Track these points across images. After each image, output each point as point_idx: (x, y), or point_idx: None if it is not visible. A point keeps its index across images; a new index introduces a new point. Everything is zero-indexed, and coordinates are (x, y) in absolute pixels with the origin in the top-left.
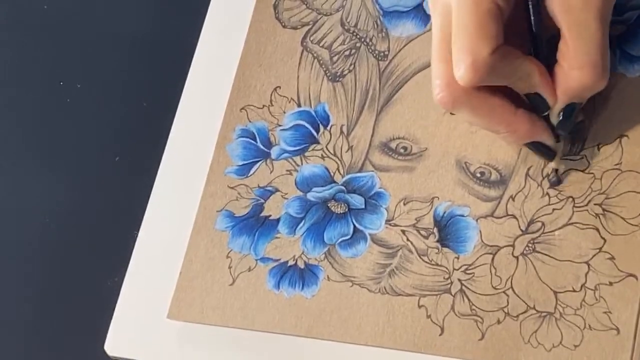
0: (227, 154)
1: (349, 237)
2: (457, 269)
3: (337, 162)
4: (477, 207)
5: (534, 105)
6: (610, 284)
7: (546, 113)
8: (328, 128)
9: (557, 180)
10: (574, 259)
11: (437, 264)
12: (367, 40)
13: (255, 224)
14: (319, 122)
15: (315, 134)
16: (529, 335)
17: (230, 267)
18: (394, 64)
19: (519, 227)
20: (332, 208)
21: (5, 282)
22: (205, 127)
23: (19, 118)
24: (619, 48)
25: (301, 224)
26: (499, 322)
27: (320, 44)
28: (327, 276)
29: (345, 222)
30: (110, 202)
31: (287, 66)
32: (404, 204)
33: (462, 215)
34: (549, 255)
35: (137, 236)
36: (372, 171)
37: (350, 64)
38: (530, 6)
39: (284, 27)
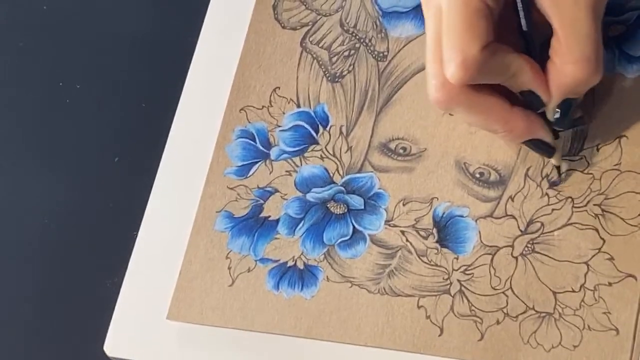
0: (227, 155)
1: (348, 237)
2: (457, 270)
3: (336, 163)
4: (476, 208)
5: (528, 102)
6: (610, 284)
7: (542, 110)
8: (327, 129)
9: (557, 180)
10: (573, 260)
11: (436, 265)
12: (367, 40)
13: (254, 225)
14: (318, 122)
15: (314, 134)
16: (528, 335)
17: (229, 268)
18: (393, 64)
19: (518, 227)
20: (332, 209)
21: (5, 282)
22: (204, 127)
23: (19, 118)
24: (618, 48)
25: (300, 225)
26: (498, 322)
27: (320, 45)
28: (327, 277)
29: (344, 222)
30: (109, 202)
31: (286, 67)
32: (403, 205)
33: (462, 216)
34: (548, 256)
35: (136, 237)
36: (372, 172)
37: (350, 65)
38: (519, 3)
39: (284, 27)
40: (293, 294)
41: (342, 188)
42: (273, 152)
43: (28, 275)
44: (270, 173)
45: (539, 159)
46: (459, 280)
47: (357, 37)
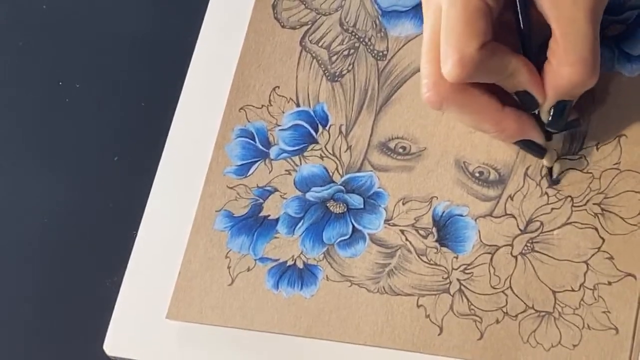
0: (226, 154)
1: (347, 237)
2: (456, 269)
3: (335, 162)
4: (475, 207)
5: (523, 103)
6: (609, 283)
7: (536, 111)
8: (327, 128)
9: (557, 180)
10: (573, 259)
11: (435, 264)
12: (366, 40)
13: (254, 224)
14: (317, 122)
15: (314, 133)
16: (528, 334)
17: (229, 267)
18: (392, 63)
19: (518, 226)
20: (331, 208)
21: (5, 282)
22: (204, 127)
23: (19, 118)
24: (617, 47)
25: (300, 224)
26: (497, 321)
27: (319, 44)
28: (326, 276)
29: (344, 221)
30: (109, 202)
31: (286, 66)
32: (403, 204)
33: (461, 215)
34: (547, 255)
35: (136, 236)
36: (371, 171)
37: (349, 64)
38: (518, 3)
39: (283, 27)
40: (292, 293)
41: (342, 187)
42: (272, 152)
43: (28, 275)
44: (269, 172)
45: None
46: (458, 280)
47: (357, 36)
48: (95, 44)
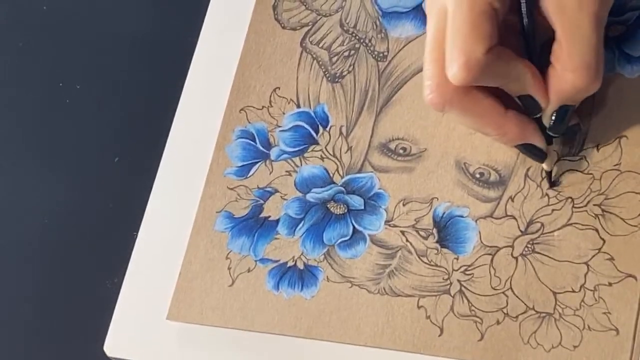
0: (227, 155)
1: (348, 237)
2: (457, 270)
3: (336, 163)
4: (476, 208)
5: (526, 107)
6: (610, 284)
7: (538, 115)
8: (327, 129)
9: (554, 182)
10: (573, 260)
11: (436, 265)
12: (367, 41)
13: (254, 225)
14: (318, 123)
15: (314, 134)
16: (528, 335)
17: (229, 268)
18: (393, 64)
19: (518, 227)
20: (332, 209)
21: (5, 282)
22: (204, 128)
23: (19, 118)
24: (618, 48)
25: (300, 225)
26: (498, 322)
27: (320, 45)
28: (327, 277)
29: (344, 223)
30: (109, 202)
31: (286, 67)
32: (403, 205)
33: (462, 216)
34: (548, 256)
35: (136, 237)
36: (372, 172)
37: (350, 65)
38: (523, 7)
39: (283, 28)
40: (293, 294)
41: (342, 188)
42: (273, 153)
43: (28, 275)
44: (270, 173)
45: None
46: (459, 281)
47: (357, 37)
48: (95, 44)
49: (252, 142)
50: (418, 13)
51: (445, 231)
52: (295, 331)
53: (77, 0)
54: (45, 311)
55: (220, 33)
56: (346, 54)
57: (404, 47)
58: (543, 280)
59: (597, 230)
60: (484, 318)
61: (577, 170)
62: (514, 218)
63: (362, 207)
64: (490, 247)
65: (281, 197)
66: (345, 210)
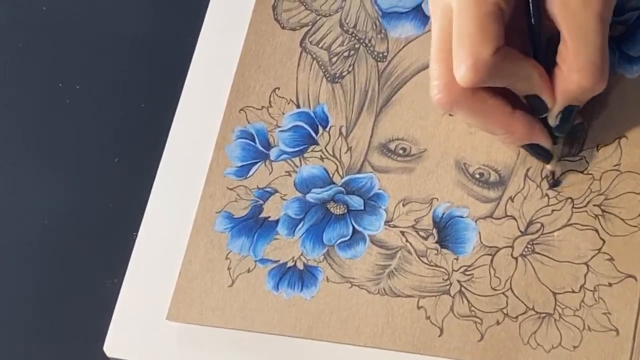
0: (226, 155)
1: (348, 238)
2: (456, 270)
3: (336, 163)
4: (476, 208)
5: (532, 107)
6: (610, 285)
7: (544, 115)
8: (327, 129)
9: (557, 182)
10: (573, 260)
11: (436, 265)
12: (366, 41)
13: (254, 225)
14: (318, 123)
15: (314, 135)
16: (528, 336)
17: (229, 269)
18: (393, 65)
19: (518, 228)
20: (331, 209)
21: (5, 282)
22: (204, 128)
23: (19, 118)
24: (618, 49)
25: (300, 225)
26: (498, 323)
27: (319, 45)
28: (326, 277)
29: (344, 223)
30: (109, 202)
31: (286, 67)
32: (403, 205)
33: (461, 217)
34: (548, 256)
35: (136, 237)
36: (371, 172)
37: (349, 65)
38: (531, 8)
39: (283, 28)
40: (293, 295)
41: (342, 188)
42: (273, 153)
43: (28, 275)
44: (269, 173)
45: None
46: (458, 281)
47: (357, 37)
48: (95, 44)
49: (251, 143)
50: (418, 13)
51: (445, 231)
52: (295, 331)
53: (77, 0)
54: (45, 311)
55: (220, 33)
56: (346, 54)
57: (403, 47)
58: (543, 281)
59: (597, 231)
60: (484, 318)
61: (577, 171)
62: (514, 218)
63: (362, 208)
64: (490, 247)
65: (281, 197)
66: (345, 211)
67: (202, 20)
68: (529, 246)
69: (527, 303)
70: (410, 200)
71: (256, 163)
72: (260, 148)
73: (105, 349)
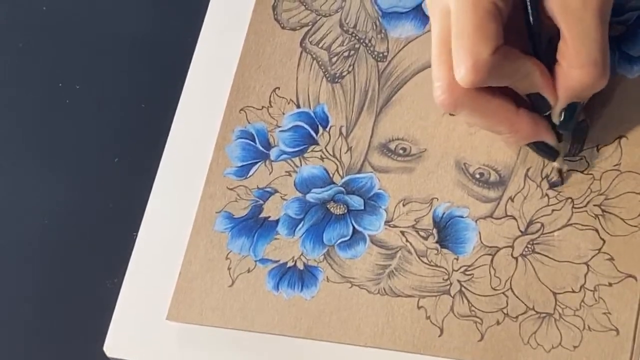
0: (226, 155)
1: (348, 238)
2: (457, 270)
3: (336, 163)
4: (476, 208)
5: (535, 105)
6: (610, 284)
7: (547, 113)
8: (327, 129)
9: (557, 181)
10: (573, 260)
11: (436, 265)
12: (366, 41)
13: (254, 225)
14: (318, 123)
15: (314, 135)
16: (528, 336)
17: (229, 269)
18: (393, 65)
19: (518, 228)
20: (332, 209)
21: (5, 282)
22: (204, 128)
23: (19, 118)
24: (618, 49)
25: (300, 225)
26: (498, 323)
27: (319, 45)
28: (327, 277)
29: (344, 223)
30: (109, 202)
31: (286, 67)
32: (403, 205)
33: (462, 216)
34: (548, 256)
35: (136, 237)
36: (371, 172)
37: (350, 65)
38: (529, 6)
39: (283, 28)
40: (293, 295)
41: (342, 188)
42: (273, 153)
43: (28, 275)
44: (270, 173)
45: (538, 159)
46: (459, 281)
47: (357, 37)
48: (95, 44)
49: (251, 143)
50: (418, 13)
51: (445, 231)
52: (295, 331)
53: (77, 0)
54: (45, 311)
55: (220, 33)
56: (346, 54)
57: (403, 47)
58: (543, 281)
59: (597, 231)
60: (484, 318)
61: (577, 171)
62: (514, 218)
63: (362, 208)
64: (490, 247)
65: (281, 197)
66: (345, 211)
67: (202, 20)
68: (529, 246)
69: (527, 303)
70: (411, 200)
71: (256, 163)
72: (261, 148)
73: (105, 349)
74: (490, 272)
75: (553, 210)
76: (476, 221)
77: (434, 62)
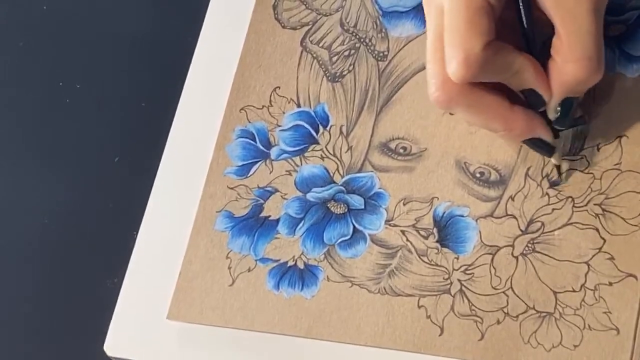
0: (227, 155)
1: (348, 237)
2: (457, 269)
3: (336, 163)
4: (476, 207)
5: (530, 101)
6: (610, 284)
7: (543, 109)
8: (327, 128)
9: (557, 180)
10: (574, 259)
11: (436, 264)
12: (367, 40)
13: (254, 225)
14: (318, 122)
15: (314, 134)
16: (529, 335)
17: (229, 268)
18: (393, 64)
19: (519, 227)
20: (332, 208)
21: (5, 282)
22: (204, 127)
23: (19, 118)
24: (618, 48)
25: (301, 225)
26: (498, 322)
27: (320, 45)
28: (327, 276)
29: (344, 222)
30: (110, 202)
31: (286, 66)
32: (404, 204)
33: (462, 216)
34: (548, 256)
35: (136, 236)
36: (372, 171)
37: (350, 64)
38: (520, 2)
39: (284, 27)
40: (293, 294)
41: (343, 188)
42: (273, 152)
43: (28, 275)
44: (270, 173)
45: (539, 158)
46: (459, 280)
47: (357, 36)
48: (95, 44)
49: (252, 142)
50: (418, 12)
51: (446, 231)
52: (295, 331)
53: (77, 0)
54: (45, 311)
55: (220, 33)
56: (346, 53)
57: (404, 46)
58: (543, 280)
59: (597, 230)
60: (485, 318)
61: (577, 170)
62: (515, 217)
63: (363, 207)
64: (491, 246)
65: (281, 196)
66: (346, 210)
67: (202, 20)
68: (529, 245)
69: (527, 302)
70: (411, 199)
71: (257, 162)
72: (261, 147)
73: (105, 348)
74: (490, 272)
75: (553, 210)
76: (476, 220)
77: (429, 59)
